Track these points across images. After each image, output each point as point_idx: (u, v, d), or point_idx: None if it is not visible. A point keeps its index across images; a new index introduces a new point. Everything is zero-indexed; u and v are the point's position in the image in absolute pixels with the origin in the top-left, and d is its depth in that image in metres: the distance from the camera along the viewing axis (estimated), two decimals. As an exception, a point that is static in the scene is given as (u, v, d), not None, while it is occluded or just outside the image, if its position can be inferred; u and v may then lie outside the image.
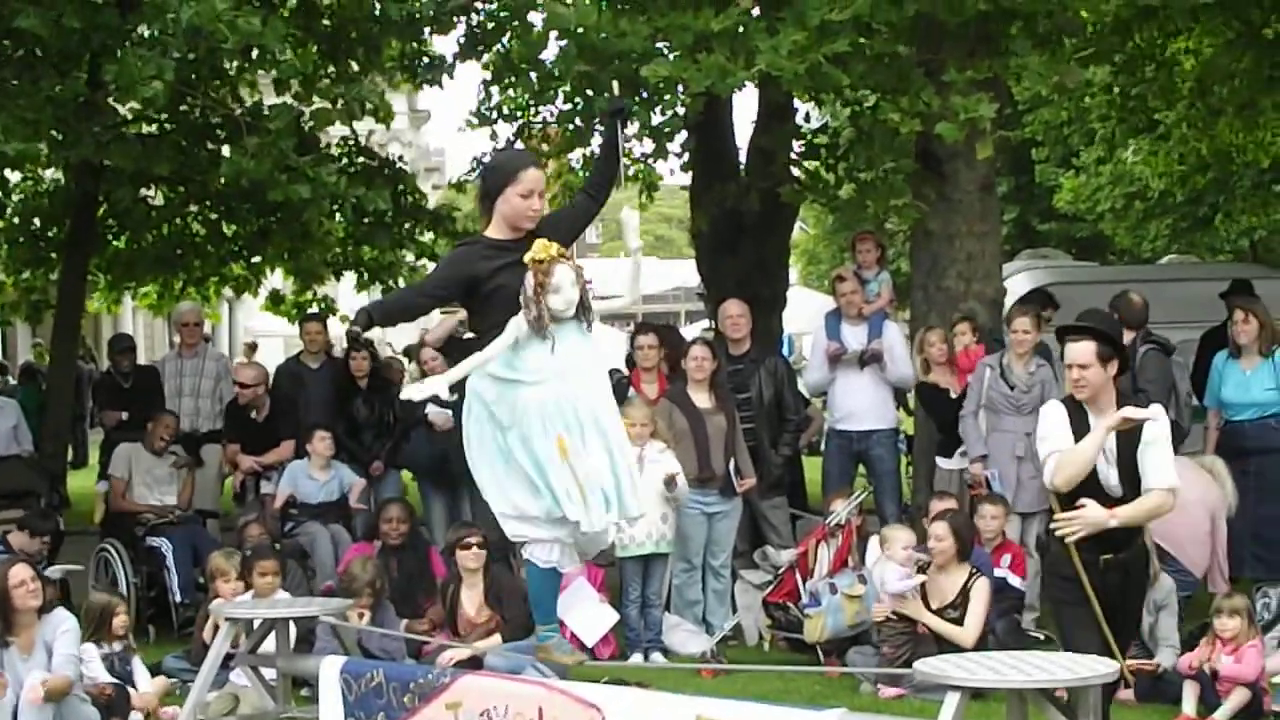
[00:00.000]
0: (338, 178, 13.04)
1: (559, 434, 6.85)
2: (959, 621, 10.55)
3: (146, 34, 12.60)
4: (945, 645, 10.11)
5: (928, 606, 10.66)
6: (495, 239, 7.03)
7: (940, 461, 12.86)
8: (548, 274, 6.82)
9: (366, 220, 15.53)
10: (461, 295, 7.12)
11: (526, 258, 6.85)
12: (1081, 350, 7.56)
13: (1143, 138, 25.37)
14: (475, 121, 14.96)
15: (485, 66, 14.62)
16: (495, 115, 15.33)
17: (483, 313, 7.02)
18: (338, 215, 14.94)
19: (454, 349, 13.15)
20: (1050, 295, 15.03)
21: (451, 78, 15.14)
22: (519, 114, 15.55)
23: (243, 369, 14.90)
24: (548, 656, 7.57)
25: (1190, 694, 9.73)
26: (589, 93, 13.12)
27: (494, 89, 15.10)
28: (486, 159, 16.05)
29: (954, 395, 12.66)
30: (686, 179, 16.61)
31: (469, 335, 13.82)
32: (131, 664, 10.44)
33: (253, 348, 35.81)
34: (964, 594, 10.63)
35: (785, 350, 20.33)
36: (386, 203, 13.84)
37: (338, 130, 14.72)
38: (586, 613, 11.65)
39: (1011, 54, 12.77)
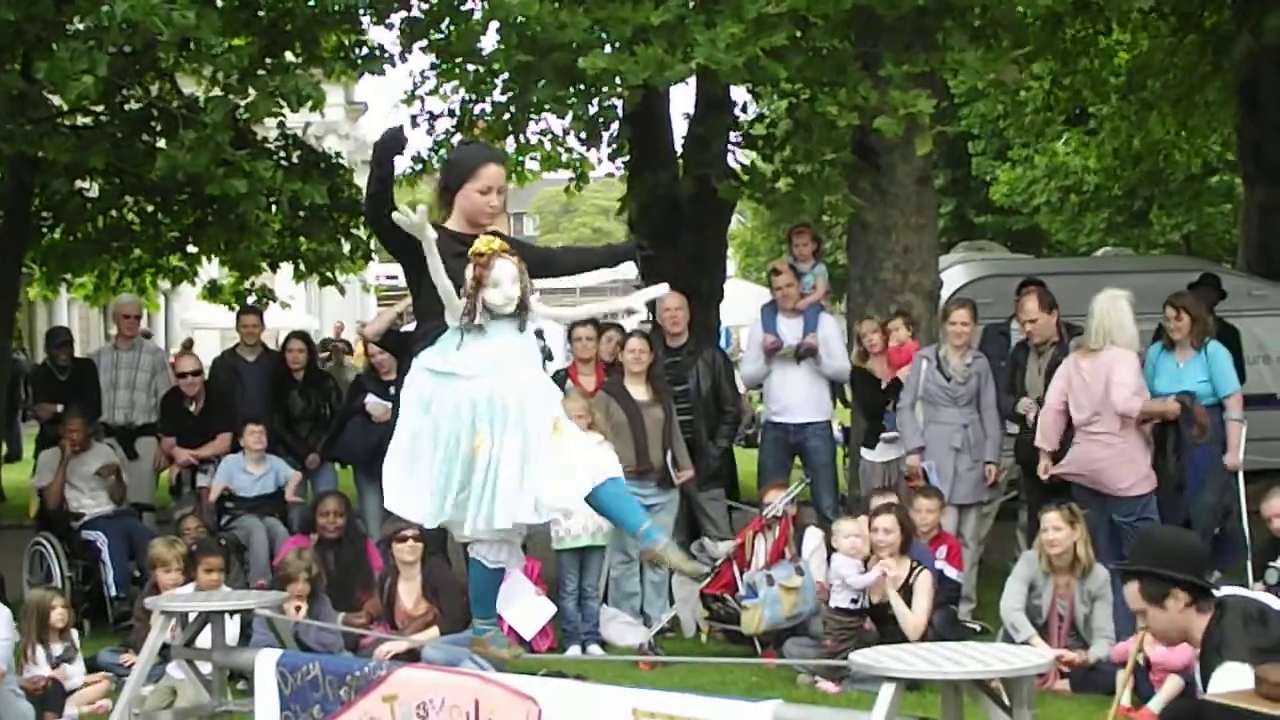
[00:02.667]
0: (274, 172, 12.98)
1: (479, 431, 6.68)
2: (909, 629, 10.62)
3: (81, 27, 12.52)
4: (888, 640, 10.16)
5: (873, 602, 10.73)
6: (453, 230, 6.90)
7: (865, 453, 12.94)
8: (487, 267, 6.67)
9: (302, 214, 15.47)
10: (412, 261, 6.81)
11: (470, 251, 6.77)
12: (1129, 594, 6.69)
13: (1075, 130, 25.60)
14: (408, 99, 14.91)
15: (426, 50, 14.57)
16: (429, 114, 15.29)
17: (427, 298, 6.82)
18: (274, 208, 14.85)
19: (393, 341, 13.15)
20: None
21: (394, 65, 15.10)
22: (452, 110, 15.50)
23: (183, 359, 14.84)
24: (484, 650, 7.54)
25: (1123, 683, 9.79)
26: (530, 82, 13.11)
27: (430, 75, 15.08)
28: (424, 154, 16.05)
29: (883, 385, 12.75)
30: (623, 171, 16.60)
31: (407, 328, 13.86)
32: (74, 664, 10.40)
33: (189, 345, 35.71)
34: (907, 588, 10.70)
35: (723, 342, 20.36)
36: (323, 196, 13.77)
37: (274, 123, 14.64)
38: (524, 606, 11.65)
39: (947, 48, 12.83)
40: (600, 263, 7.59)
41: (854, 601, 10.75)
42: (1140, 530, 7.63)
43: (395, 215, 6.58)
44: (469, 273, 6.68)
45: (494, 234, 6.92)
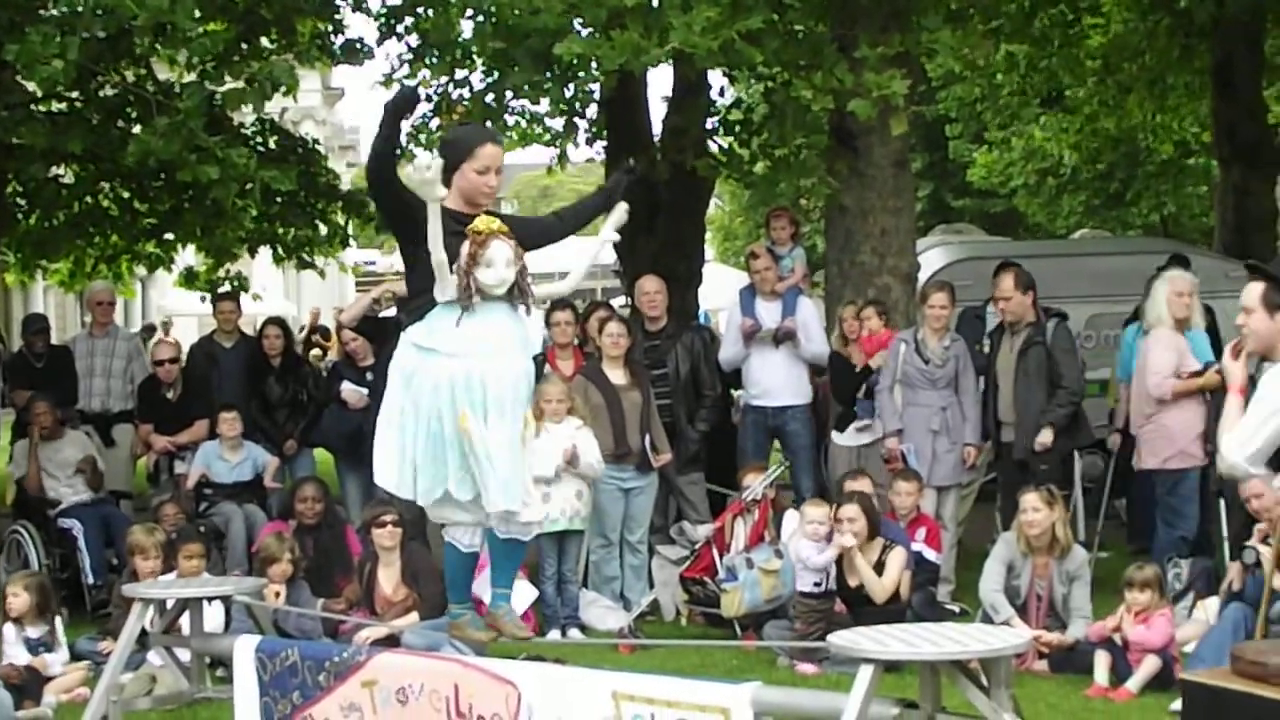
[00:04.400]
0: (247, 159, 12.91)
1: (462, 410, 6.64)
2: (876, 591, 10.66)
3: (55, 12, 12.47)
4: (861, 622, 10.17)
5: (846, 582, 10.74)
6: (451, 209, 6.78)
7: (835, 437, 12.93)
8: (483, 246, 6.63)
9: (279, 199, 15.43)
10: (409, 231, 6.79)
11: (468, 228, 6.70)
12: (1248, 292, 6.97)
13: (1052, 112, 25.62)
14: (385, 82, 14.85)
15: (404, 35, 14.52)
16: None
17: (421, 273, 6.77)
18: (247, 195, 14.81)
19: (370, 327, 13.13)
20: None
21: (372, 58, 15.07)
22: (430, 95, 15.46)
23: (161, 346, 14.82)
24: (461, 634, 7.54)
25: (1102, 663, 9.83)
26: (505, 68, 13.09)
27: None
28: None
29: (858, 369, 12.76)
30: (602, 156, 16.57)
31: (385, 313, 13.83)
32: (54, 651, 10.39)
33: (166, 327, 35.66)
34: (879, 565, 10.74)
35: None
36: (292, 184, 13.72)
37: (250, 108, 14.59)
38: (505, 590, 11.65)
39: (923, 29, 12.83)
40: (598, 207, 7.53)
41: (817, 585, 10.77)
42: None
43: (410, 168, 6.53)
44: (464, 250, 6.65)
45: (491, 214, 6.89)
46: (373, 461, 7.01)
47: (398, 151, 6.81)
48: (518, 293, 6.81)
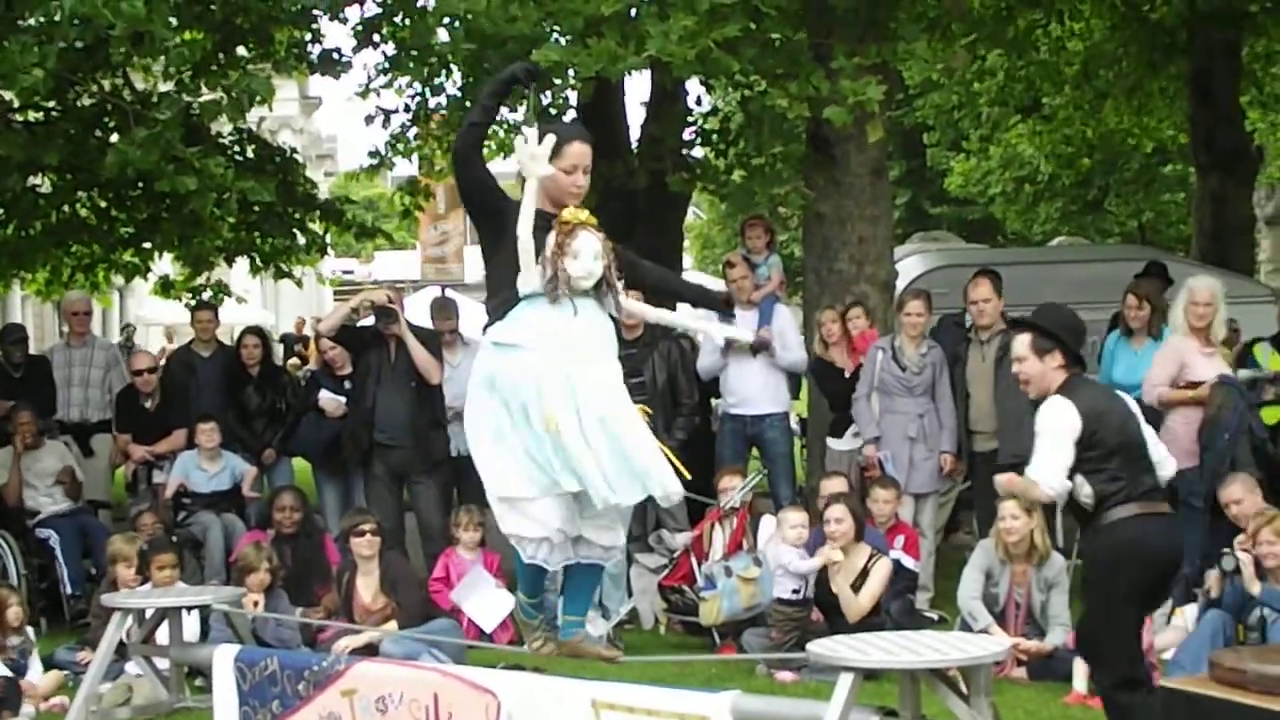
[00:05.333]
0: (225, 170, 12.88)
1: (549, 412, 6.33)
2: (852, 611, 10.65)
3: (32, 22, 12.45)
4: (836, 631, 10.19)
5: (828, 589, 10.75)
6: (536, 208, 6.55)
7: (831, 442, 12.95)
8: (570, 236, 6.43)
9: (256, 208, 15.41)
10: (488, 217, 6.62)
11: (555, 220, 6.48)
12: (1017, 343, 7.77)
13: (1032, 120, 25.68)
14: (363, 92, 14.84)
15: (381, 43, 14.52)
16: (382, 111, 15.25)
17: (501, 267, 6.56)
18: (224, 205, 14.77)
19: (348, 336, 13.11)
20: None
21: (349, 70, 15.05)
22: (407, 105, 15.48)
23: (139, 356, 14.80)
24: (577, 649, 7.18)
25: (1080, 671, 9.84)
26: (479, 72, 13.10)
27: (384, 67, 15.04)
28: (380, 148, 15.99)
29: (847, 374, 12.76)
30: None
31: (364, 322, 13.81)
32: (29, 659, 10.36)
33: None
34: (864, 574, 10.73)
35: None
36: (271, 195, 13.69)
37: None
38: (484, 598, 11.64)
39: (900, 39, 12.85)
40: (684, 296, 7.40)
41: (795, 592, 10.78)
42: (1045, 304, 8.66)
43: (518, 140, 6.36)
44: (550, 239, 6.46)
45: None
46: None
47: (488, 126, 6.68)
48: (605, 288, 6.60)
